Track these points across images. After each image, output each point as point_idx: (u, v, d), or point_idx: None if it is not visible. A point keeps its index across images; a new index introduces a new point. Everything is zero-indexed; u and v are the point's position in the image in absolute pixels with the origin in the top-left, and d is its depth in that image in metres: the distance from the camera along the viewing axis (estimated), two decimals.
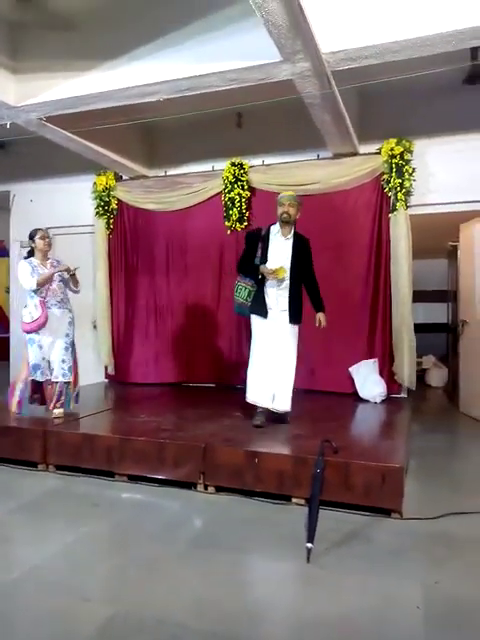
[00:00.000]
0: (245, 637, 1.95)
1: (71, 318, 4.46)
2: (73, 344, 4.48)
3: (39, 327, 4.23)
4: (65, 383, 4.36)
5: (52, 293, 4.33)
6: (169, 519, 3.02)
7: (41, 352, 4.30)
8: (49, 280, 4.28)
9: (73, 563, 2.52)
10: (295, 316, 4.00)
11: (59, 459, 3.83)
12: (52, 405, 4.32)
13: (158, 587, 2.28)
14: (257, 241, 4.04)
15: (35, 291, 4.25)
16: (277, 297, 3.99)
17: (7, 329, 7.28)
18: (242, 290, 4.05)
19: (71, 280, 4.42)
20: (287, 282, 3.97)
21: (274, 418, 4.03)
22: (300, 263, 4.02)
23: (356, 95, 5.16)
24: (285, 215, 3.95)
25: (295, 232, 4.06)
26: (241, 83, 3.98)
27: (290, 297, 3.98)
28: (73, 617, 2.06)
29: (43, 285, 4.25)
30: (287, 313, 3.98)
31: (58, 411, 4.30)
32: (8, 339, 7.22)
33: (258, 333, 4.04)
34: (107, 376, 6.54)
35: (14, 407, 4.34)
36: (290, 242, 4.02)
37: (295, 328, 4.04)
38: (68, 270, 4.34)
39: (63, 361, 4.35)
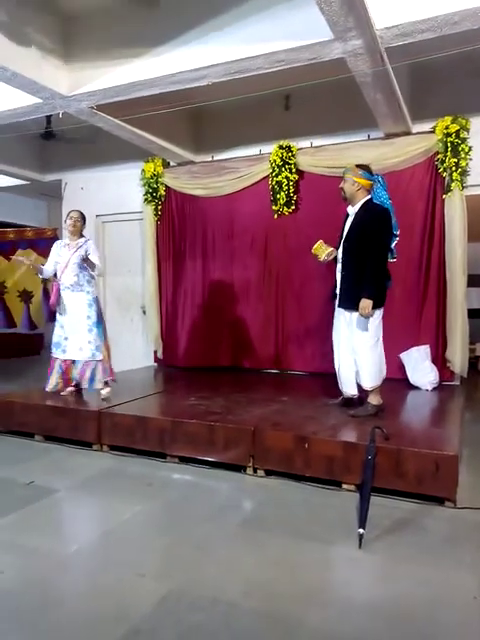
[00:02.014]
0: (296, 618, 1.97)
1: (90, 300, 4.54)
2: (98, 325, 4.55)
3: (52, 307, 4.58)
4: (97, 362, 4.50)
5: (65, 277, 4.50)
6: (220, 501, 3.07)
7: (63, 331, 4.57)
8: (40, 271, 4.65)
9: (129, 540, 2.61)
10: (344, 301, 3.75)
11: (113, 440, 3.95)
12: (81, 376, 4.53)
13: (210, 566, 2.33)
14: (344, 222, 3.90)
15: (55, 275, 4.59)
16: (338, 280, 3.85)
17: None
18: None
19: (87, 263, 4.45)
20: (340, 263, 3.80)
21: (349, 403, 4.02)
22: (357, 240, 3.66)
23: (409, 72, 4.97)
24: (341, 192, 3.80)
25: (365, 205, 3.72)
26: (290, 64, 3.91)
27: (341, 279, 3.79)
28: (130, 592, 2.14)
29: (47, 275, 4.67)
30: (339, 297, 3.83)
31: (105, 392, 4.47)
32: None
33: (335, 317, 3.99)
34: (156, 360, 6.67)
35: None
36: (351, 217, 3.77)
37: (351, 315, 3.74)
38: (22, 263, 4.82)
39: (90, 342, 4.48)
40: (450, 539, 2.57)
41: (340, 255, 3.81)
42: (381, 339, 3.83)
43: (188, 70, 4.03)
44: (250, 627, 1.89)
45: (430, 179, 5.18)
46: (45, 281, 7.24)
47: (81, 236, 4.61)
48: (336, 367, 4.00)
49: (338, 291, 3.84)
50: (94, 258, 4.48)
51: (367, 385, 3.81)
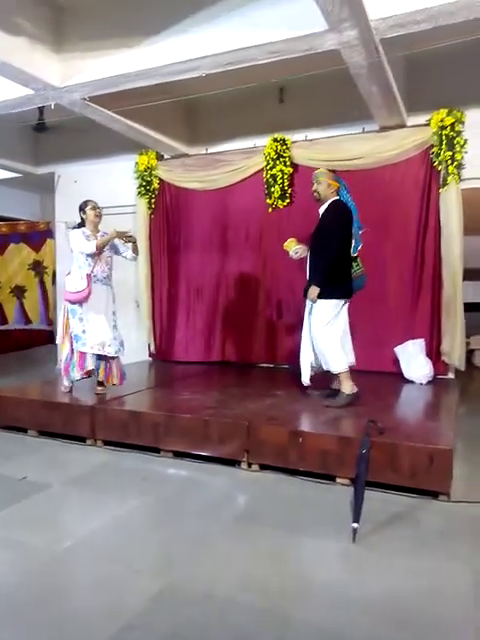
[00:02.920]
0: (292, 613, 1.96)
1: (113, 295, 4.51)
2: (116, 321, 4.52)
3: (81, 300, 4.22)
4: (117, 359, 4.44)
5: (100, 268, 4.34)
6: (214, 495, 3.07)
7: (81, 324, 4.26)
8: (108, 243, 4.30)
9: (123, 535, 2.60)
10: (305, 291, 3.93)
11: (107, 434, 3.93)
12: (120, 381, 4.45)
13: (205, 561, 2.32)
14: None
15: (92, 256, 4.26)
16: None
17: (51, 322, 7.36)
18: None
19: (132, 247, 4.41)
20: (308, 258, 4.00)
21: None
22: (320, 235, 3.89)
23: (404, 64, 4.94)
24: (314, 194, 3.98)
25: (331, 203, 3.93)
26: (284, 55, 3.87)
27: (308, 272, 3.99)
28: (124, 588, 2.13)
29: (101, 249, 4.27)
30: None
31: (100, 388, 4.40)
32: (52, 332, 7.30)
33: None
34: (151, 354, 6.64)
35: (63, 375, 4.41)
36: (321, 210, 3.99)
37: (314, 304, 3.87)
38: (126, 236, 4.32)
39: (115, 338, 4.42)
40: (444, 533, 2.57)
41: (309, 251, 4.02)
42: (338, 330, 3.91)
43: (181, 61, 3.98)
44: (244, 622, 1.89)
45: (425, 172, 5.16)
46: (42, 276, 7.20)
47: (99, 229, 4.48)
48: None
49: (307, 283, 3.98)
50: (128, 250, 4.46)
51: (333, 369, 3.90)
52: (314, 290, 3.79)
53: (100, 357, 4.36)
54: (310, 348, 4.01)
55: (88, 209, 4.37)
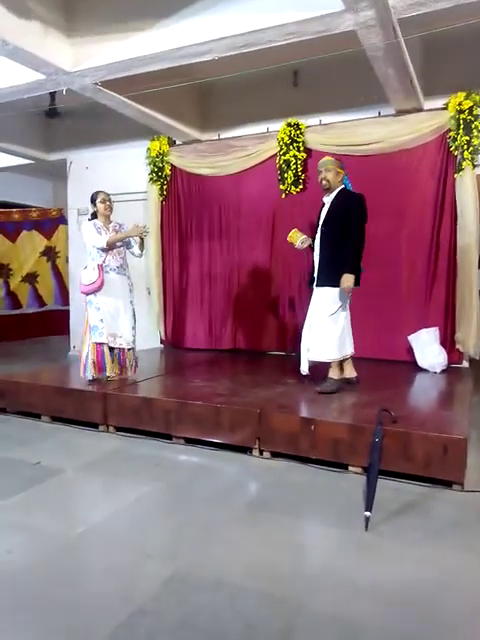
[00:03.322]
0: (302, 601, 1.96)
1: (130, 285, 4.52)
2: (134, 311, 4.54)
3: (94, 290, 4.26)
4: (131, 349, 4.48)
5: (112, 257, 4.35)
6: (226, 482, 3.07)
7: (99, 313, 4.29)
8: (120, 240, 4.34)
9: (135, 521, 2.61)
10: (319, 279, 3.90)
11: (119, 421, 3.95)
12: (133, 371, 4.50)
13: (216, 548, 2.32)
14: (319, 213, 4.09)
15: (103, 250, 4.28)
16: (315, 265, 4.01)
17: (67, 302, 7.38)
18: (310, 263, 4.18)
19: (139, 244, 4.42)
20: (317, 247, 3.95)
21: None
22: (334, 224, 3.85)
23: (422, 46, 4.82)
24: (323, 182, 3.92)
25: (341, 192, 3.92)
26: (299, 37, 3.80)
27: (319, 261, 3.93)
28: (136, 573, 2.14)
29: (112, 245, 4.30)
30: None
31: (110, 374, 4.39)
32: (68, 312, 7.36)
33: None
34: (162, 341, 6.65)
35: (81, 371, 4.37)
36: (327, 206, 3.95)
37: (323, 291, 3.88)
38: (141, 233, 4.32)
39: (133, 328, 4.44)
40: (458, 523, 2.55)
41: (317, 241, 3.95)
42: (343, 319, 3.93)
43: (193, 44, 3.93)
44: (254, 609, 1.89)
45: (442, 157, 5.07)
46: (55, 261, 7.21)
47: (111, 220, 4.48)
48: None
49: (316, 274, 3.95)
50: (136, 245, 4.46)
51: (320, 357, 3.90)
52: (348, 278, 3.72)
53: (112, 349, 4.38)
54: (308, 335, 3.99)
55: (98, 202, 4.39)
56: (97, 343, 4.29)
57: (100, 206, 4.38)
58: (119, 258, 4.40)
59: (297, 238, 4.03)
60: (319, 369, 4.08)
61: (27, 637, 1.79)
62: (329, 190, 3.94)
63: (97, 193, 4.43)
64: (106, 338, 4.28)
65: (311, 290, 4.07)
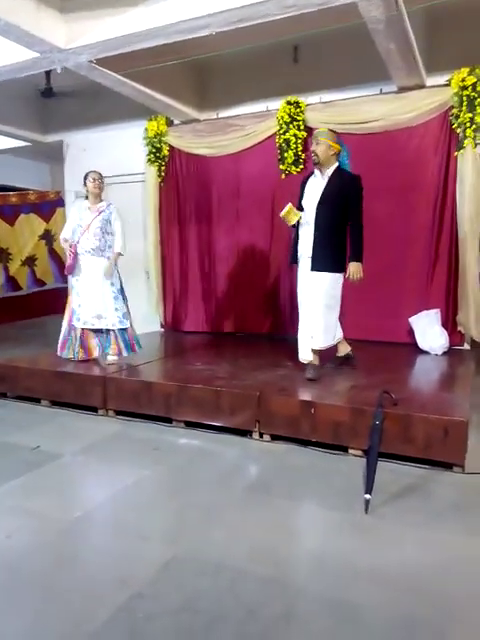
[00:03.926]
0: (302, 584, 1.95)
1: (113, 266, 4.46)
2: (122, 291, 4.50)
3: (68, 272, 4.43)
4: (122, 330, 4.43)
5: (86, 239, 4.37)
6: (226, 465, 3.06)
7: (78, 298, 4.43)
8: (68, 250, 4.41)
9: (134, 504, 2.61)
10: (316, 263, 3.72)
11: (119, 404, 3.94)
12: (114, 352, 4.45)
13: (216, 532, 2.32)
14: (302, 186, 3.91)
15: (76, 230, 4.43)
16: (306, 243, 3.79)
17: (66, 280, 7.36)
18: (292, 239, 3.97)
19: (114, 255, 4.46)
20: (311, 226, 3.74)
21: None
22: (333, 205, 3.68)
23: (424, 20, 4.67)
24: (313, 156, 3.75)
25: (337, 171, 3.74)
26: (299, 10, 3.67)
27: (314, 242, 3.73)
28: (135, 557, 2.14)
29: (65, 243, 4.44)
30: (310, 261, 3.75)
31: (111, 358, 4.43)
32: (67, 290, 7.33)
33: (297, 281, 3.98)
34: (162, 325, 6.62)
35: (58, 349, 4.53)
36: (325, 182, 3.74)
37: (321, 276, 3.72)
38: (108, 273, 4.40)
39: (116, 309, 4.41)
40: (458, 505, 2.54)
41: (312, 218, 3.75)
42: (339, 304, 3.88)
43: (189, 19, 3.79)
44: (254, 593, 1.88)
45: (445, 135, 4.95)
46: (52, 243, 7.17)
47: (101, 199, 4.50)
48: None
49: (311, 254, 3.75)
50: (117, 237, 4.44)
51: (319, 345, 3.82)
52: (358, 267, 3.70)
53: (99, 331, 4.44)
54: (308, 322, 3.85)
55: (88, 181, 4.43)
56: (72, 326, 4.46)
57: (89, 185, 4.43)
58: (95, 240, 4.38)
59: (293, 220, 3.82)
60: (327, 351, 4.04)
61: (25, 621, 1.78)
62: (319, 165, 3.75)
63: (88, 173, 4.47)
64: (84, 323, 4.42)
65: (294, 267, 3.98)
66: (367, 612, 1.79)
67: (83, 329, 4.46)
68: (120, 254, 4.48)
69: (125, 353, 4.49)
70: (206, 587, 1.92)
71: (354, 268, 3.71)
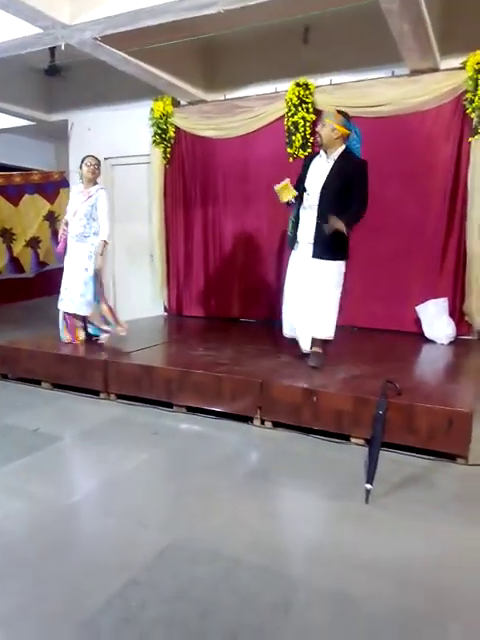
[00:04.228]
0: (300, 575, 1.92)
1: (91, 253, 4.39)
2: (95, 277, 4.39)
3: (59, 255, 4.50)
4: (83, 317, 4.48)
5: (73, 225, 4.39)
6: (226, 451, 3.03)
7: (64, 281, 4.49)
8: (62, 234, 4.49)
9: (133, 489, 2.58)
10: (320, 250, 3.59)
11: (120, 388, 3.91)
12: (73, 336, 4.52)
13: (213, 518, 2.29)
14: (305, 167, 3.76)
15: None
16: (307, 228, 3.64)
17: None
18: (290, 221, 3.82)
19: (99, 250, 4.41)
20: (314, 210, 3.60)
21: (303, 355, 3.89)
22: (337, 189, 3.51)
23: (439, 0, 4.54)
24: (317, 137, 3.62)
25: (344, 154, 3.57)
26: None
27: (316, 228, 3.58)
28: (131, 543, 2.11)
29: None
30: (312, 247, 3.63)
31: (104, 337, 4.50)
32: None
33: (288, 266, 3.87)
34: (166, 309, 6.58)
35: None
36: (329, 165, 3.58)
37: (326, 265, 3.61)
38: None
39: (82, 295, 4.38)
40: (461, 497, 2.50)
41: (315, 202, 3.60)
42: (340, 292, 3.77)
43: None
44: (250, 583, 1.85)
45: (458, 121, 4.83)
46: (54, 224, 7.12)
47: (95, 183, 4.45)
48: (290, 320, 3.87)
49: (313, 240, 3.62)
50: (103, 223, 4.34)
51: (325, 335, 3.73)
52: (341, 225, 3.40)
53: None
54: (310, 312, 3.70)
55: (83, 165, 4.41)
56: (65, 312, 4.53)
57: (84, 169, 4.41)
58: (80, 226, 4.37)
59: (285, 197, 3.67)
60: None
61: (17, 606, 1.76)
62: (323, 147, 3.61)
63: (86, 157, 4.47)
64: (66, 306, 4.48)
65: (289, 250, 3.87)
66: (366, 604, 1.76)
67: (66, 312, 4.51)
68: (105, 242, 4.37)
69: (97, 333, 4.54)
70: (202, 575, 1.89)
71: (337, 223, 3.43)
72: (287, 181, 3.68)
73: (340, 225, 3.43)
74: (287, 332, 3.97)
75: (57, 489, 2.57)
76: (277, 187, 3.69)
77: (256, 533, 2.17)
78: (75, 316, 4.50)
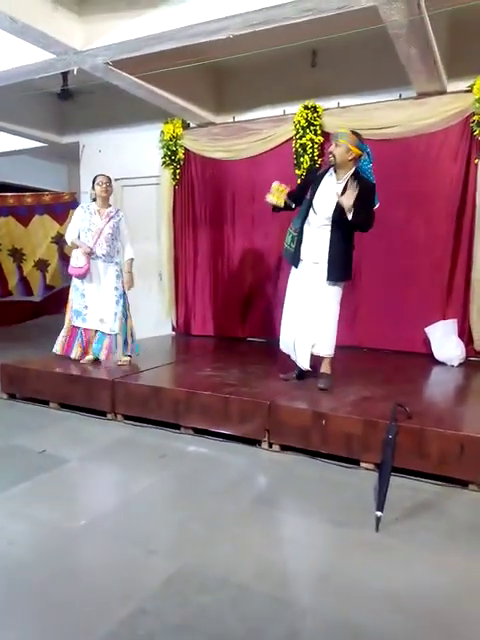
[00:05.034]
0: (308, 605, 1.88)
1: (118, 271, 4.52)
2: (123, 296, 4.52)
3: (81, 276, 4.40)
4: (116, 335, 4.49)
5: (99, 245, 4.40)
6: (234, 475, 2.99)
7: (83, 300, 4.48)
8: (78, 247, 4.43)
9: (140, 514, 2.55)
10: (332, 272, 3.54)
11: (127, 409, 3.89)
12: (84, 352, 4.53)
13: (221, 545, 2.25)
14: (311, 180, 3.73)
15: (87, 234, 4.42)
16: (313, 246, 3.59)
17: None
18: (288, 235, 3.80)
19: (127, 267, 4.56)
20: (327, 230, 3.55)
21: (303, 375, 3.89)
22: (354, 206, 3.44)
23: (446, 24, 4.59)
24: (330, 157, 3.55)
25: (355, 176, 3.52)
26: (318, 14, 3.61)
27: (329, 249, 3.53)
28: (138, 569, 2.08)
29: (73, 248, 4.47)
30: (321, 266, 3.56)
31: (125, 358, 4.51)
32: None
33: (289, 281, 3.84)
34: (174, 328, 6.58)
35: (60, 348, 4.58)
36: (341, 185, 3.53)
37: (332, 286, 3.60)
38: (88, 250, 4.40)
39: (116, 314, 4.44)
40: (474, 525, 2.44)
41: (327, 222, 3.56)
42: None
43: (207, 21, 3.76)
44: (258, 612, 1.81)
45: (465, 143, 4.85)
46: (63, 247, 7.18)
47: (109, 204, 4.53)
48: (288, 339, 3.83)
49: (328, 259, 3.56)
50: (127, 244, 4.51)
51: (328, 352, 3.71)
52: (348, 200, 3.37)
53: (100, 333, 4.51)
54: (312, 333, 3.68)
55: (96, 185, 4.46)
56: (74, 326, 4.53)
57: (97, 188, 4.45)
58: (105, 246, 4.42)
59: (275, 200, 3.65)
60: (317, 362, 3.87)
61: (22, 634, 1.73)
62: (336, 167, 3.57)
63: (96, 176, 4.51)
64: (90, 324, 4.49)
65: (287, 265, 3.85)
66: (375, 636, 1.72)
67: (87, 329, 4.52)
68: (132, 259, 4.56)
69: (113, 356, 4.52)
70: (209, 604, 1.85)
71: (347, 200, 3.41)
72: (285, 188, 3.69)
73: (348, 202, 3.38)
74: (283, 348, 3.96)
75: (63, 513, 2.55)
76: (275, 185, 3.69)
77: (264, 561, 2.13)
78: (96, 334, 4.52)
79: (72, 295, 4.57)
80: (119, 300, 4.47)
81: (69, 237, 4.52)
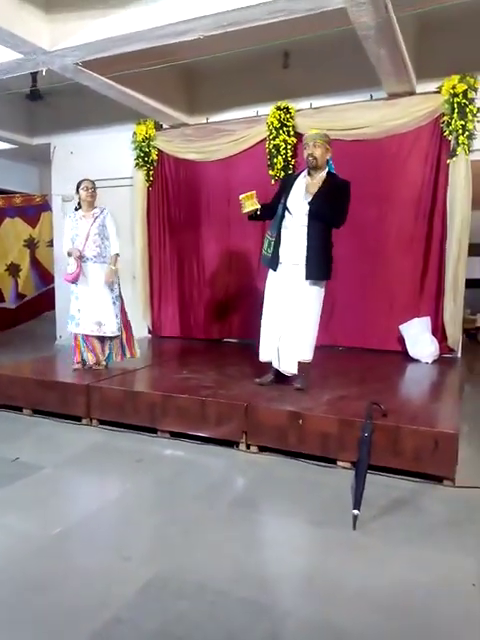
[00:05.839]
0: (287, 607, 1.87)
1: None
2: (119, 298, 4.47)
3: (73, 280, 4.32)
4: (118, 336, 4.43)
5: (88, 248, 4.31)
6: (211, 478, 2.97)
7: (77, 303, 4.37)
8: (73, 257, 4.31)
9: (116, 520, 2.52)
10: (311, 271, 3.52)
11: (103, 414, 3.84)
12: (120, 357, 4.48)
13: (199, 550, 2.23)
14: (285, 186, 3.72)
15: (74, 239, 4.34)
16: (291, 248, 3.57)
17: (51, 281, 7.20)
18: (265, 241, 3.77)
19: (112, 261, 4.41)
20: (303, 232, 3.54)
21: (282, 379, 3.81)
22: (326, 209, 3.48)
23: (415, 27, 4.66)
24: (310, 158, 3.55)
25: (329, 175, 3.58)
26: (288, 15, 3.63)
27: (307, 248, 3.52)
28: (113, 577, 2.04)
29: (69, 255, 4.34)
30: (300, 268, 3.54)
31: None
32: (53, 290, 7.18)
33: (267, 287, 3.78)
34: (149, 330, 6.52)
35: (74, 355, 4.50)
36: (316, 187, 3.53)
37: (312, 286, 3.58)
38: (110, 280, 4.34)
39: (116, 315, 4.38)
40: (449, 521, 2.47)
41: (302, 222, 3.55)
42: None
43: (176, 22, 3.74)
44: (236, 617, 1.80)
45: (435, 143, 4.93)
46: (34, 251, 7.06)
47: (95, 207, 4.43)
48: (270, 346, 3.74)
49: (305, 261, 3.54)
50: (113, 239, 4.39)
51: (307, 357, 3.67)
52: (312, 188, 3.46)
53: (103, 338, 4.40)
54: (295, 335, 3.64)
55: (81, 190, 4.37)
56: (73, 333, 4.43)
57: (82, 193, 4.36)
58: (95, 247, 4.33)
59: (249, 208, 3.65)
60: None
61: None
62: (316, 168, 3.58)
63: (81, 181, 4.40)
64: (84, 328, 4.35)
65: (264, 269, 3.81)
66: (355, 636, 1.72)
67: (85, 335, 4.38)
68: (117, 254, 4.41)
69: (118, 358, 4.47)
70: (186, 611, 1.83)
71: (312, 188, 3.50)
72: (253, 192, 3.67)
73: (313, 189, 3.47)
74: (265, 357, 3.82)
75: (37, 522, 2.50)
76: (242, 196, 3.67)
77: (242, 564, 2.12)
78: (100, 338, 4.41)
79: (71, 299, 4.46)
80: (115, 302, 4.40)
81: (65, 249, 4.40)
